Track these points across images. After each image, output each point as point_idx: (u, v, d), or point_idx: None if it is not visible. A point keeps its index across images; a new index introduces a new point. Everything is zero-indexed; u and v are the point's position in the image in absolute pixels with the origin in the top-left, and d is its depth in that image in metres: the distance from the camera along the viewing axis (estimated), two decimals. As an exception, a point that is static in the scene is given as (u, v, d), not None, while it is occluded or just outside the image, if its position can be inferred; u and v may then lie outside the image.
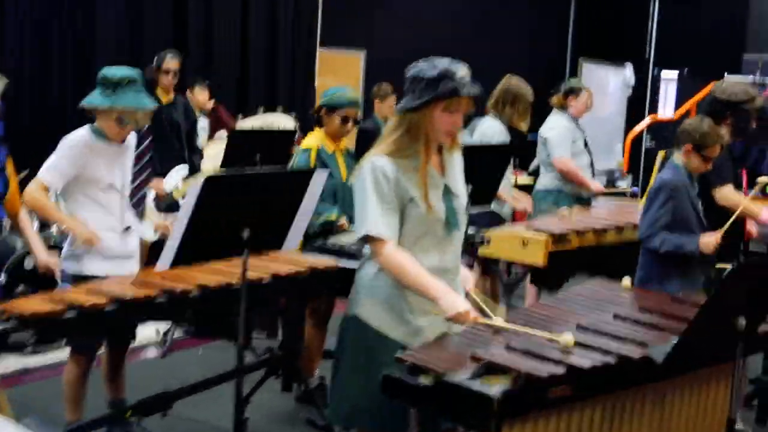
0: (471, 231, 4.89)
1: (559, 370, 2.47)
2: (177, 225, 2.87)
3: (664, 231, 4.07)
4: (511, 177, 5.87)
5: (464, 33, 11.06)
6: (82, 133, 3.78)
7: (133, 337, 4.09)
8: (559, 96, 6.44)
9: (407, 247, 2.89)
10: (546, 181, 6.42)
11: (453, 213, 2.96)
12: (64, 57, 7.16)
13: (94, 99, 3.74)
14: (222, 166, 6.13)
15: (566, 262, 5.19)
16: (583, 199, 6.40)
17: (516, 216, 6.71)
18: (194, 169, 6.07)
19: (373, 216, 2.82)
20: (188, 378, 4.14)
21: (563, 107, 6.42)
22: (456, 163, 3.07)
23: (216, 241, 3.00)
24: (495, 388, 2.39)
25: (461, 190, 3.04)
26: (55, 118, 6.94)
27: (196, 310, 3.36)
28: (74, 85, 7.26)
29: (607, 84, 12.04)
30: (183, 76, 6.58)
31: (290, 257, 3.90)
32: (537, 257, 4.95)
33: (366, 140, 6.64)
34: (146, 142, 3.88)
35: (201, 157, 6.74)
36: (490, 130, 5.63)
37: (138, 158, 3.85)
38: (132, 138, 3.93)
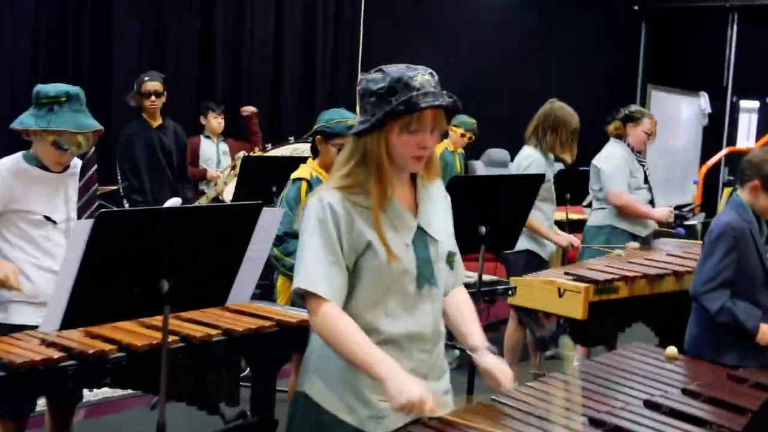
0: (495, 277, 4.17)
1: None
2: (62, 275, 2.23)
3: (724, 288, 3.27)
4: (552, 213, 5.09)
5: (521, 55, 10.32)
6: (11, 159, 3.21)
7: (80, 396, 3.47)
8: (616, 123, 5.64)
9: (366, 308, 2.21)
10: (598, 217, 5.61)
11: (427, 263, 2.25)
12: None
13: (26, 120, 3.16)
14: (234, 198, 5.56)
15: (613, 315, 4.40)
16: (640, 238, 5.58)
17: (570, 256, 5.93)
18: (186, 201, 5.53)
19: (310, 267, 2.15)
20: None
21: (620, 136, 5.62)
22: (435, 197, 2.36)
23: (123, 295, 2.35)
24: None
25: (442, 232, 2.32)
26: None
27: (118, 377, 2.70)
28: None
29: (679, 113, 11.11)
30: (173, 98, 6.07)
31: (260, 309, 3.24)
32: (575, 309, 4.17)
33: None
34: (91, 171, 3.28)
35: (193, 186, 6.20)
36: (527, 161, 4.88)
37: (83, 190, 3.25)
38: (77, 166, 3.34)
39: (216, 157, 6.90)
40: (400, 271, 2.19)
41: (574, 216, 6.73)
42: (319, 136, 3.76)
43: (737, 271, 3.28)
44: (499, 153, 9.41)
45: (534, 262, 4.91)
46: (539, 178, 3.66)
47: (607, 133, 5.66)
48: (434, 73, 2.22)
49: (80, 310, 2.28)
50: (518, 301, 4.37)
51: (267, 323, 3.07)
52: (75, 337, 2.71)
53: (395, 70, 2.16)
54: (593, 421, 2.18)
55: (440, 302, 2.31)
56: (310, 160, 3.87)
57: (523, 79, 10.14)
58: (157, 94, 5.74)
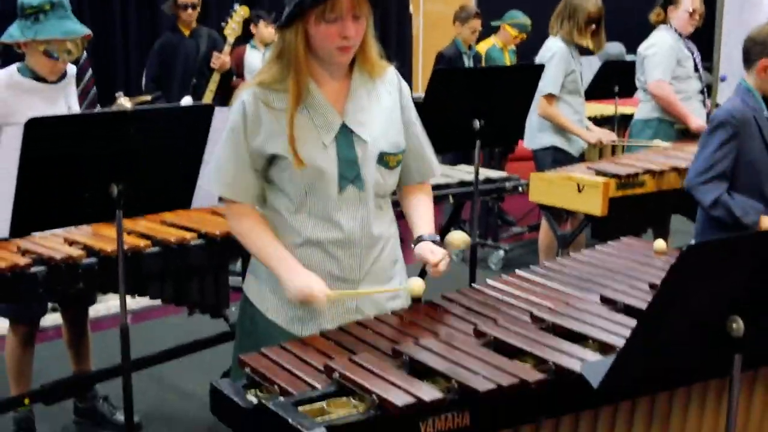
0: (505, 174, 4.05)
1: (429, 394, 1.67)
2: (1, 182, 2.27)
3: (719, 180, 3.07)
4: (580, 106, 4.88)
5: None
6: (5, 72, 3.25)
7: (93, 300, 3.59)
8: (657, 9, 5.33)
9: (291, 211, 2.16)
10: (645, 110, 5.36)
11: (351, 164, 2.14)
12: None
13: (13, 32, 3.18)
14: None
15: (639, 210, 4.23)
16: (690, 132, 5.32)
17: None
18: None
19: (218, 167, 2.15)
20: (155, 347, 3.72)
21: (665, 22, 5.31)
22: (379, 92, 2.22)
23: (73, 201, 2.38)
24: (332, 417, 1.65)
25: (377, 131, 2.18)
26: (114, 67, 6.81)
27: (93, 282, 2.76)
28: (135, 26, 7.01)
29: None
30: (205, 7, 5.99)
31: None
32: (594, 205, 4.02)
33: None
34: (87, 76, 3.30)
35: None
36: (549, 52, 4.66)
37: (82, 96, 3.28)
38: (73, 74, 3.36)
39: None
40: (314, 174, 2.11)
41: (625, 110, 6.47)
42: None
43: (739, 162, 3.07)
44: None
45: (562, 159, 4.75)
46: (537, 69, 3.48)
47: (652, 23, 5.37)
48: None
49: (27, 216, 2.32)
50: (538, 198, 4.25)
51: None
52: (49, 244, 2.77)
53: None
54: (534, 318, 2.11)
55: (372, 205, 2.19)
56: None
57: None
58: (194, 6, 5.72)
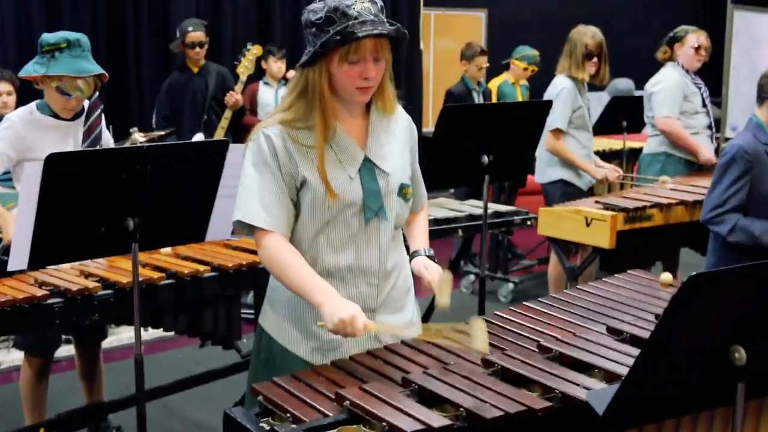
0: (513, 208, 4.10)
1: (438, 422, 1.71)
2: (21, 215, 2.32)
3: (734, 213, 3.11)
4: (588, 141, 4.94)
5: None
6: (25, 109, 3.33)
7: (105, 334, 3.63)
8: (663, 48, 5.41)
9: (308, 238, 2.21)
10: (653, 144, 5.42)
11: (375, 195, 2.21)
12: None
13: (28, 68, 3.26)
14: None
15: (645, 244, 4.27)
16: (696, 165, 5.37)
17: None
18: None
19: (248, 199, 2.16)
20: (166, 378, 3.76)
21: (672, 59, 5.39)
22: (395, 130, 2.31)
23: (89, 234, 2.43)
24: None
25: (395, 165, 2.27)
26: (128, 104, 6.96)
27: (108, 313, 2.81)
28: (149, 63, 7.12)
29: (766, 33, 10.50)
30: (211, 46, 6.11)
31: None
32: (602, 238, 4.07)
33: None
34: (95, 114, 3.35)
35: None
36: (556, 89, 4.75)
37: (87, 133, 3.34)
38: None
39: (274, 104, 6.88)
40: (341, 205, 2.17)
41: (634, 145, 6.53)
42: None
43: (752, 196, 3.12)
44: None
45: (571, 193, 4.80)
46: (545, 105, 3.55)
47: (659, 61, 5.45)
48: (377, 0, 2.16)
49: (46, 249, 2.37)
50: (547, 232, 4.30)
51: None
52: (65, 276, 2.83)
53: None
54: (541, 347, 2.14)
55: (390, 236, 2.27)
56: None
57: (599, 16, 9.80)
58: (201, 45, 5.83)
